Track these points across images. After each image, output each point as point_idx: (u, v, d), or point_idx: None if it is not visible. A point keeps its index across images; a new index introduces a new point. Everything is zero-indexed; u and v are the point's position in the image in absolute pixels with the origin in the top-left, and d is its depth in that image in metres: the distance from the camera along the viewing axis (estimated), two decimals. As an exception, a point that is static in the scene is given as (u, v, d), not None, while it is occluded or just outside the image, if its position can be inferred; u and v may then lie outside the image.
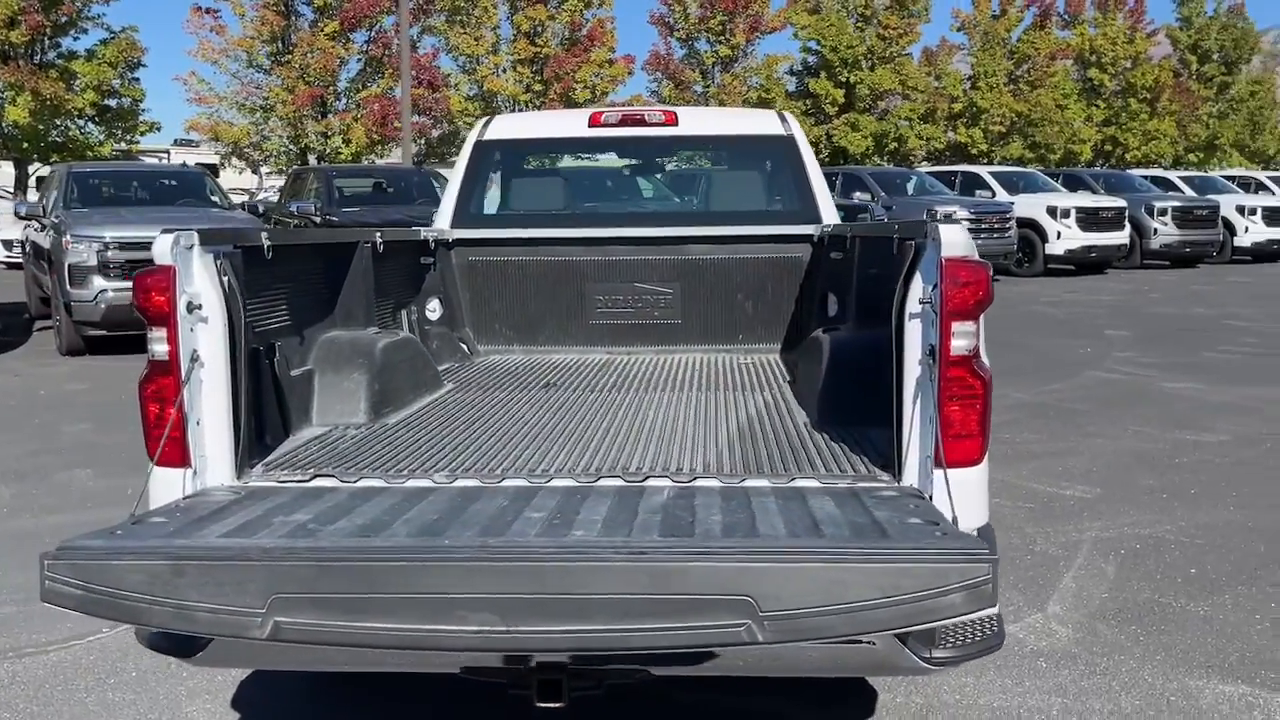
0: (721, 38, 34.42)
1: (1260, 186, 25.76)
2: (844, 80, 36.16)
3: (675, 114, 5.45)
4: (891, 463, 2.80)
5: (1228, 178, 26.76)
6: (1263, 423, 7.65)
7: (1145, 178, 24.89)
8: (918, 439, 2.70)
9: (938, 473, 2.59)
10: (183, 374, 2.67)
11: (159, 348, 2.69)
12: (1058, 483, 6.10)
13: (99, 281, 10.48)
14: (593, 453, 3.17)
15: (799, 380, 4.16)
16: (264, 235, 3.19)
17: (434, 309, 5.18)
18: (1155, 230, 21.10)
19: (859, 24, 36.80)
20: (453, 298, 5.31)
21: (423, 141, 30.85)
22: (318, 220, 13.47)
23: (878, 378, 3.38)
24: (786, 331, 5.30)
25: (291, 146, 29.14)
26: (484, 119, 5.74)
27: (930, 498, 2.62)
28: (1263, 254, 23.43)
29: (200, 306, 2.71)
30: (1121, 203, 20.63)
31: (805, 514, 2.40)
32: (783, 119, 5.49)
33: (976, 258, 2.63)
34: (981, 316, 2.63)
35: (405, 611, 2.05)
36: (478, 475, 2.86)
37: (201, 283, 2.72)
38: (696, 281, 5.27)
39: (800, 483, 2.75)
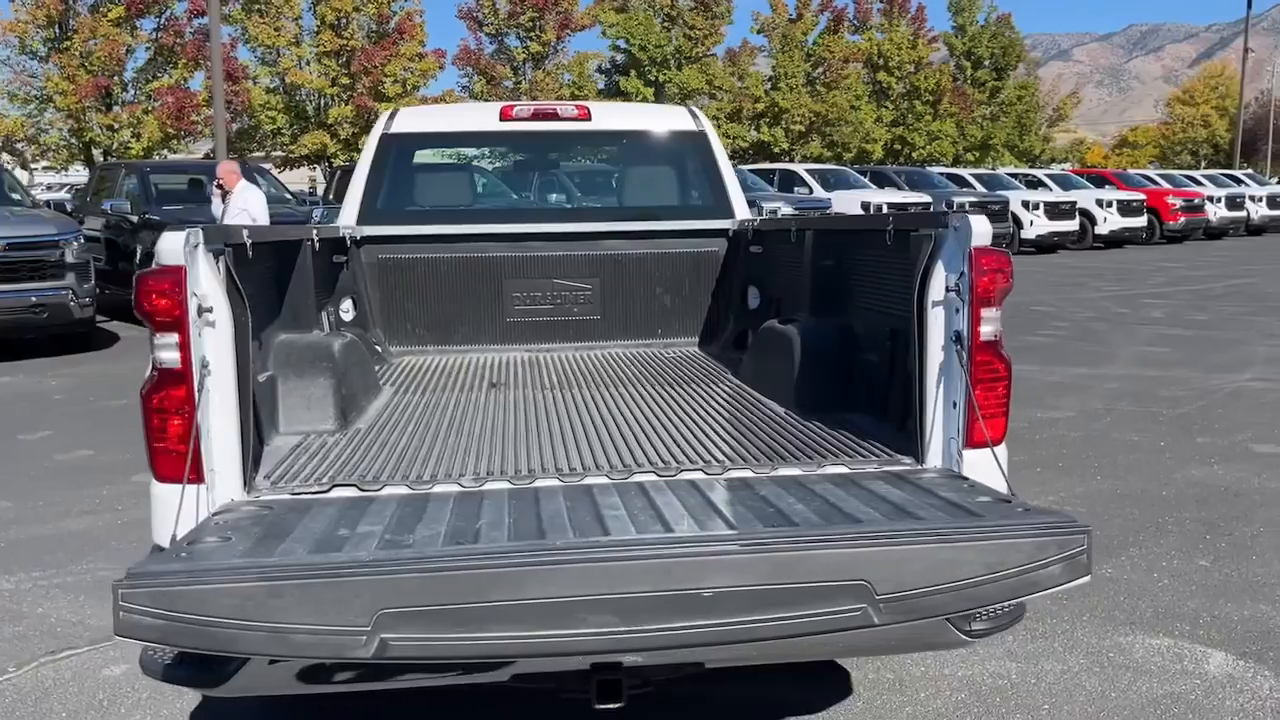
0: (532, 34, 34.26)
1: (1039, 183, 27.94)
2: (653, 79, 36.78)
3: (588, 109, 5.40)
4: (910, 446, 2.88)
5: (1011, 175, 28.84)
6: (1098, 399, 8.33)
7: (941, 175, 26.52)
8: (940, 422, 2.79)
9: (968, 453, 2.70)
10: (196, 383, 2.45)
11: (167, 355, 2.44)
12: (942, 462, 6.45)
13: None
14: (600, 449, 3.11)
15: (750, 372, 4.20)
16: (245, 234, 2.97)
17: (347, 309, 4.94)
18: (955, 224, 22.48)
19: (665, 24, 37.50)
20: (364, 297, 5.08)
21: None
22: (134, 220, 12.51)
23: (851, 366, 3.48)
24: (704, 325, 5.36)
25: (74, 141, 26.98)
26: (389, 112, 5.49)
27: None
28: (1045, 245, 25.45)
29: (211, 309, 2.49)
30: (927, 198, 21.95)
31: (877, 499, 2.44)
32: (693, 114, 5.53)
33: (999, 247, 2.76)
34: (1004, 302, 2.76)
35: (525, 618, 1.96)
36: (504, 477, 2.76)
37: (209, 284, 2.51)
38: (614, 277, 5.24)
39: (831, 469, 2.80)
